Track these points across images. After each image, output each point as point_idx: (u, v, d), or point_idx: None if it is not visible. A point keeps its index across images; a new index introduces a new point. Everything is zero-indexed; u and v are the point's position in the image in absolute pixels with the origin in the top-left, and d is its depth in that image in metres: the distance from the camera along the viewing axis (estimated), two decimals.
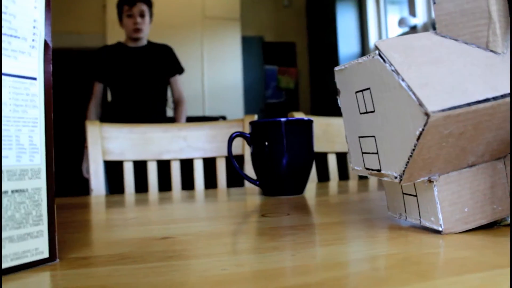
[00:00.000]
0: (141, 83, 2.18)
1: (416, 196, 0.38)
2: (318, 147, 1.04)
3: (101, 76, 2.20)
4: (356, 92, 0.39)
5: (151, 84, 2.20)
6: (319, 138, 1.04)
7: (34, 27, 0.31)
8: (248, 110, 4.64)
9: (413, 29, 3.72)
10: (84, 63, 4.74)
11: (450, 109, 0.30)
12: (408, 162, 0.33)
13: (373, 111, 0.37)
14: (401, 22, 3.76)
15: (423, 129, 0.30)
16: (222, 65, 4.41)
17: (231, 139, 0.71)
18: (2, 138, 0.28)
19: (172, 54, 2.32)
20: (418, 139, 0.31)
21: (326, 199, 0.66)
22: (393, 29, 4.31)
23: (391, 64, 0.33)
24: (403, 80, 0.31)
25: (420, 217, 0.37)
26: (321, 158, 1.08)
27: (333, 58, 4.57)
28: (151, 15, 2.22)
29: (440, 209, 0.35)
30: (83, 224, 0.50)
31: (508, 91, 0.31)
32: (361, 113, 0.39)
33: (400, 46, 0.34)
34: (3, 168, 0.28)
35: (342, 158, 1.19)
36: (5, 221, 0.28)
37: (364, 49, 4.52)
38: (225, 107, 4.33)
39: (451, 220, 0.35)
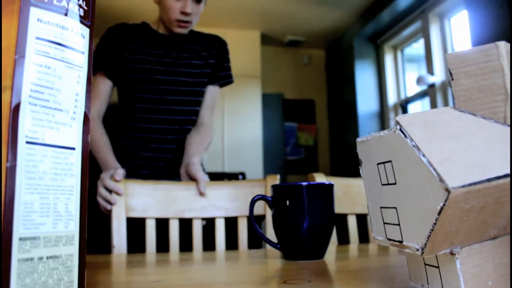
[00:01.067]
0: (172, 89, 1.42)
1: (438, 267, 0.37)
2: (338, 208, 1.04)
3: (111, 69, 1.40)
4: (378, 163, 0.39)
5: (187, 92, 1.45)
6: (339, 199, 1.04)
7: (76, 100, 0.33)
8: (267, 167, 4.66)
9: (431, 87, 3.76)
10: None
11: (470, 185, 0.30)
12: (429, 235, 0.33)
13: (395, 183, 0.37)
14: (419, 80, 3.81)
15: (444, 204, 0.31)
16: (243, 121, 4.49)
17: (252, 202, 0.72)
18: (41, 205, 0.30)
19: (224, 53, 1.55)
20: (439, 213, 0.31)
21: (347, 265, 0.65)
22: (412, 87, 4.35)
23: (411, 140, 0.34)
24: (423, 155, 0.32)
25: None
26: (341, 220, 1.07)
27: (352, 115, 4.61)
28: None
29: (463, 282, 0.35)
30: (107, 286, 0.51)
31: None
32: (382, 184, 0.39)
33: (420, 122, 0.35)
34: (40, 235, 0.30)
35: (362, 219, 1.18)
36: (38, 286, 0.29)
37: (383, 107, 4.56)
38: (245, 163, 4.36)
39: None
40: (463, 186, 0.30)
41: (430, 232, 0.33)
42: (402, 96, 4.47)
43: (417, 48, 4.32)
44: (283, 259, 0.69)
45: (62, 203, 0.31)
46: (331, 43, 5.25)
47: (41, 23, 0.31)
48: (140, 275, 0.58)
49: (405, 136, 0.34)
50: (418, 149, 0.33)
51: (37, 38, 0.31)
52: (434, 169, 0.31)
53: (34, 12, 0.31)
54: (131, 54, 1.40)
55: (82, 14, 0.34)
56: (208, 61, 1.51)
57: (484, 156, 0.32)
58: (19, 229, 0.28)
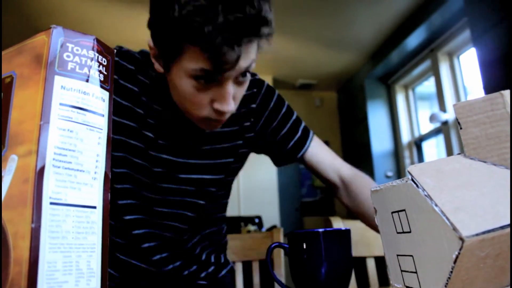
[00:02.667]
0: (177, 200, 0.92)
1: None
2: (356, 252, 1.03)
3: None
4: (392, 212, 0.40)
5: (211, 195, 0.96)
6: (356, 243, 1.03)
7: (96, 161, 0.35)
8: (283, 209, 4.62)
9: (445, 124, 3.75)
10: None
11: (484, 233, 0.31)
12: (447, 283, 0.33)
13: (410, 232, 0.38)
14: (432, 118, 3.81)
15: (459, 253, 0.31)
16: (258, 164, 4.49)
17: (269, 251, 0.72)
18: (64, 264, 0.31)
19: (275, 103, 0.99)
20: (454, 262, 0.32)
21: None
22: (425, 125, 4.35)
23: (423, 189, 0.34)
24: (436, 205, 0.33)
25: None
26: (360, 263, 1.06)
27: (366, 155, 4.60)
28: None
29: None
30: None
31: None
32: (398, 233, 0.40)
33: (431, 171, 0.36)
34: None
35: (381, 262, 1.17)
36: None
37: (397, 146, 4.54)
38: (261, 206, 4.34)
39: None
40: (477, 235, 0.31)
41: (447, 280, 0.33)
42: (416, 134, 4.46)
43: (428, 86, 4.35)
44: None
45: (84, 261, 0.32)
46: (342, 84, 5.31)
47: (64, 90, 0.33)
48: None
49: (417, 186, 0.35)
50: (431, 198, 0.34)
51: (61, 104, 0.33)
52: (447, 218, 0.32)
53: (58, 80, 0.33)
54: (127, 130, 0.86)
55: (102, 79, 0.36)
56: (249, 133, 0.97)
57: (496, 203, 0.33)
58: None
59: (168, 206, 0.92)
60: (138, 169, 0.87)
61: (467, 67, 3.74)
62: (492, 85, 2.87)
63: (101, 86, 0.36)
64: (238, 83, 0.77)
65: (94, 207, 0.34)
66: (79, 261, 0.32)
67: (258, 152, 1.04)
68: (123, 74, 0.85)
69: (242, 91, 0.80)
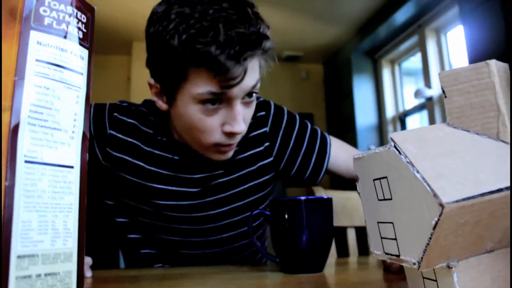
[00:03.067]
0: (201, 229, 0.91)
1: (436, 281, 0.38)
2: (337, 221, 1.04)
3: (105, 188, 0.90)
4: (374, 179, 0.40)
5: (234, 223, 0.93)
6: (338, 213, 1.05)
7: (74, 120, 0.34)
8: None
9: (429, 100, 3.78)
10: None
11: (464, 199, 0.31)
12: (425, 249, 0.33)
13: (391, 199, 0.38)
14: (417, 94, 3.83)
15: (438, 219, 0.31)
16: None
17: (251, 218, 0.72)
18: (39, 223, 0.30)
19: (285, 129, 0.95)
20: (434, 228, 0.32)
21: (347, 278, 0.66)
22: (410, 100, 4.37)
23: (406, 156, 0.34)
24: (417, 172, 0.33)
25: None
26: (341, 233, 1.07)
27: (350, 129, 4.62)
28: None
29: None
30: None
31: None
32: (379, 200, 0.40)
33: (414, 138, 0.36)
34: (38, 252, 0.30)
35: (361, 232, 1.19)
36: None
37: (381, 120, 4.58)
38: None
39: None
40: (457, 201, 0.31)
41: (426, 246, 0.33)
42: (400, 109, 4.49)
43: (414, 62, 4.36)
44: (282, 272, 0.69)
45: (60, 221, 0.32)
46: (329, 57, 5.28)
47: (40, 46, 0.32)
48: None
49: (399, 152, 0.35)
50: (412, 165, 0.34)
51: (37, 60, 0.32)
52: (428, 185, 0.32)
53: (34, 35, 0.32)
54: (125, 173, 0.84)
55: (81, 36, 0.35)
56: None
57: (477, 171, 0.33)
58: (17, 247, 0.29)
59: (213, 247, 0.92)
60: (169, 221, 0.87)
61: (454, 44, 3.74)
62: (478, 62, 2.89)
63: (80, 44, 0.35)
64: (245, 104, 0.76)
65: (72, 167, 0.33)
66: (55, 221, 0.31)
67: (277, 179, 0.99)
68: (124, 129, 0.84)
69: (250, 112, 0.79)
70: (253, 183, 0.91)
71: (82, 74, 0.35)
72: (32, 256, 0.30)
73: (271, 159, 0.93)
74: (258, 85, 0.77)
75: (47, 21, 0.33)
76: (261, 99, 0.97)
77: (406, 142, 0.36)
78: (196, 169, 0.87)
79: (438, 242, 0.33)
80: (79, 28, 0.35)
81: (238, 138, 0.77)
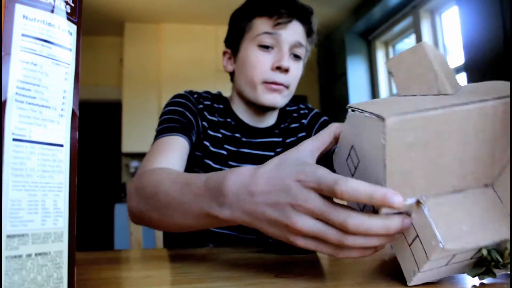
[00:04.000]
0: None
1: (418, 236, 0.39)
2: None
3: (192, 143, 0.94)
4: (341, 145, 0.47)
5: None
6: None
7: (63, 97, 0.33)
8: None
9: None
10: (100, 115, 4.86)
11: (403, 114, 0.36)
12: (385, 174, 0.37)
13: (358, 161, 0.43)
14: None
15: (385, 134, 0.36)
16: None
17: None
18: (29, 202, 0.30)
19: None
20: (385, 147, 0.36)
21: (342, 262, 0.66)
22: None
23: (357, 109, 0.42)
24: (367, 112, 0.39)
25: (425, 251, 0.39)
26: None
27: (344, 110, 4.62)
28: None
29: (435, 227, 0.38)
30: (100, 282, 0.51)
31: (453, 108, 0.38)
32: (346, 158, 0.46)
33: (366, 102, 0.43)
34: (28, 232, 0.30)
35: None
36: (27, 283, 0.29)
37: None
38: None
39: (450, 238, 0.37)
40: (398, 115, 0.36)
41: (385, 171, 0.37)
42: (394, 91, 4.49)
43: (408, 43, 4.34)
44: (275, 253, 0.70)
45: (50, 200, 0.31)
46: (323, 39, 5.25)
47: (27, 20, 0.31)
48: (131, 271, 0.58)
49: (353, 110, 0.43)
50: (362, 110, 0.40)
51: (23, 35, 0.31)
52: (373, 113, 0.38)
53: (20, 9, 0.31)
54: (211, 144, 0.99)
55: (69, 11, 0.34)
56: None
57: (418, 104, 0.39)
58: (6, 227, 0.28)
59: None
60: None
61: (449, 25, 3.73)
62: (472, 44, 2.88)
63: (68, 19, 0.34)
64: (293, 58, 0.97)
65: (61, 145, 0.32)
66: (45, 200, 0.31)
67: None
68: (205, 107, 1.01)
69: (297, 69, 0.98)
70: None
71: (70, 50, 0.34)
72: (22, 235, 0.29)
73: None
74: (303, 52, 0.99)
75: None
76: (310, 106, 1.18)
77: (359, 105, 0.43)
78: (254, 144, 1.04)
79: (395, 165, 0.37)
80: (66, 2, 0.34)
81: (286, 79, 0.95)
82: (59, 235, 0.31)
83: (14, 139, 0.29)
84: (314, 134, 1.03)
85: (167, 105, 0.98)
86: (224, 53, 1.05)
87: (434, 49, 0.46)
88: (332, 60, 5.00)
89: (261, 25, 0.95)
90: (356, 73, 4.66)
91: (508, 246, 0.39)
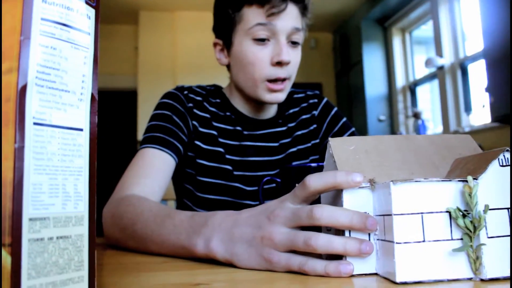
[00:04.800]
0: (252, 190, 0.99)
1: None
2: None
3: (177, 150, 0.90)
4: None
5: None
6: None
7: (82, 81, 0.33)
8: None
9: (441, 69, 3.72)
10: (116, 104, 4.90)
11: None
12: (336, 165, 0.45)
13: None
14: (428, 63, 3.77)
15: (330, 146, 0.48)
16: None
17: (262, 184, 0.72)
18: (50, 186, 0.30)
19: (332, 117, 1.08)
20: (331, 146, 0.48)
21: None
22: (420, 70, 4.31)
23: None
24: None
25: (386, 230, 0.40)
26: None
27: (360, 98, 4.58)
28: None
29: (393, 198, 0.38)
30: (118, 267, 0.51)
31: None
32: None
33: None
34: (50, 215, 0.30)
35: None
36: (49, 266, 0.29)
37: (391, 90, 4.52)
38: None
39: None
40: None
41: (335, 164, 0.45)
42: (411, 79, 4.43)
43: (425, 30, 4.27)
44: None
45: (71, 184, 0.31)
46: (338, 26, 5.19)
47: (46, 4, 0.31)
48: (148, 256, 0.59)
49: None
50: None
51: (42, 19, 0.31)
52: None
53: None
54: (204, 142, 0.94)
55: None
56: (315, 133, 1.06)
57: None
58: (28, 210, 0.29)
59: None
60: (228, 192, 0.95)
61: (467, 11, 3.65)
62: (492, 31, 2.82)
63: (87, 3, 0.34)
64: (291, 45, 0.89)
65: (81, 129, 0.32)
66: (66, 184, 0.31)
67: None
68: (196, 104, 0.96)
69: (296, 56, 0.91)
70: (299, 162, 1.01)
71: (89, 34, 0.34)
72: (44, 219, 0.29)
73: (317, 140, 1.05)
74: (301, 36, 0.91)
75: None
76: (317, 93, 1.12)
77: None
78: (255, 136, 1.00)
79: (342, 161, 0.45)
80: None
81: (287, 72, 0.89)
82: (79, 218, 0.32)
83: (35, 123, 0.29)
84: (326, 128, 1.04)
85: (156, 107, 0.95)
86: (215, 44, 0.97)
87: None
88: (348, 47, 4.95)
89: (253, 15, 0.87)
90: (372, 61, 4.60)
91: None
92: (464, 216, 0.37)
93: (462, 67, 3.65)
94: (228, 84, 1.03)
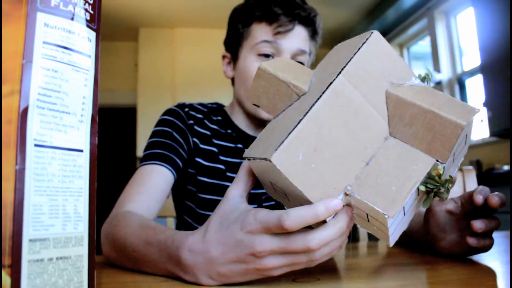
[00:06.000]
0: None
1: (368, 215, 0.42)
2: None
3: (177, 166, 0.90)
4: (269, 184, 0.50)
5: None
6: None
7: (83, 103, 0.33)
8: None
9: (438, 84, 3.74)
10: (116, 120, 4.91)
11: (279, 146, 0.41)
12: (306, 195, 0.42)
13: (284, 192, 0.47)
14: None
15: (280, 170, 0.40)
16: None
17: (261, 201, 0.72)
18: (50, 207, 0.30)
19: None
20: (287, 177, 0.41)
21: (356, 262, 0.65)
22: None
23: (249, 158, 0.48)
24: (256, 158, 0.46)
25: (381, 222, 0.42)
26: None
27: None
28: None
29: (372, 205, 0.41)
30: (117, 286, 0.51)
31: None
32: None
33: (255, 141, 0.50)
34: (50, 236, 0.30)
35: None
36: (48, 287, 0.30)
37: None
38: None
39: (388, 205, 0.41)
40: (276, 150, 0.40)
41: (302, 193, 0.41)
42: None
43: (423, 45, 4.31)
44: None
45: (71, 205, 0.32)
46: (337, 42, 5.23)
47: (48, 28, 0.32)
48: (148, 275, 0.58)
49: (248, 159, 0.49)
50: (254, 158, 0.58)
51: (44, 42, 0.31)
52: (261, 158, 0.43)
53: (41, 17, 0.31)
54: (204, 159, 0.94)
55: (88, 18, 0.34)
56: None
57: (287, 124, 0.43)
58: (29, 231, 0.29)
59: None
60: None
61: (464, 27, 3.69)
62: (488, 46, 2.84)
63: (88, 26, 0.35)
64: (300, 54, 0.91)
65: (81, 151, 0.33)
66: (66, 205, 0.31)
67: None
68: (196, 121, 0.96)
69: None
70: None
71: (90, 56, 0.34)
72: (44, 240, 0.30)
73: None
74: (306, 58, 0.92)
75: (53, 2, 0.32)
76: None
77: (249, 151, 0.48)
78: None
79: (305, 182, 0.42)
80: (86, 10, 0.34)
81: None
82: (79, 239, 0.32)
83: (35, 145, 0.30)
84: None
85: (156, 124, 0.96)
86: (224, 57, 1.01)
87: (277, 63, 0.52)
88: None
89: (260, 32, 0.90)
90: None
91: (439, 168, 0.42)
92: (432, 189, 0.43)
93: (459, 82, 3.68)
94: (230, 102, 1.04)
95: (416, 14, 3.99)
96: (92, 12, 0.35)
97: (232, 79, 0.99)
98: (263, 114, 0.91)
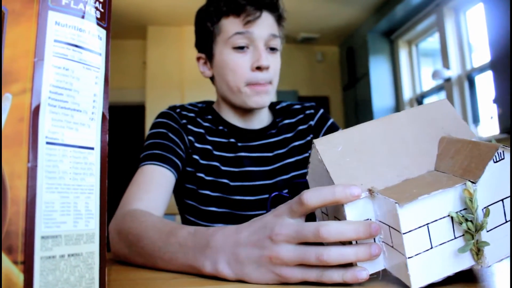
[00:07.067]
0: (252, 200, 1.00)
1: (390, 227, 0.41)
2: None
3: (176, 166, 0.91)
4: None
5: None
6: None
7: (94, 101, 0.34)
8: None
9: (447, 81, 3.72)
10: (125, 119, 4.93)
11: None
12: (332, 178, 0.44)
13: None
14: (435, 75, 3.77)
15: (318, 152, 0.46)
16: None
17: (270, 200, 0.72)
18: (61, 204, 0.30)
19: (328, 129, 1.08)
20: (323, 159, 0.46)
21: None
22: (427, 82, 4.31)
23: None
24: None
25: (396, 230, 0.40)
26: None
27: (367, 111, 4.58)
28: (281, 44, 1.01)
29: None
30: (127, 283, 0.51)
31: None
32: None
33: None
34: (61, 233, 0.30)
35: None
36: (60, 284, 0.30)
37: (399, 102, 4.52)
38: None
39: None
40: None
41: (329, 174, 0.44)
42: (418, 91, 4.42)
43: (432, 42, 4.28)
44: None
45: (82, 202, 0.32)
46: (344, 39, 5.22)
47: (59, 26, 0.32)
48: (160, 272, 0.59)
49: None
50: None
51: (55, 41, 0.31)
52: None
53: (52, 16, 0.31)
54: (201, 157, 0.96)
55: (98, 16, 0.35)
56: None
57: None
58: (41, 228, 0.29)
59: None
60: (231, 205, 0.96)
61: (474, 23, 3.66)
62: (498, 42, 2.82)
63: (98, 24, 0.35)
64: (270, 52, 0.94)
65: (92, 148, 0.33)
66: (77, 202, 0.31)
67: None
68: (189, 120, 0.98)
69: (276, 62, 0.95)
70: (297, 173, 1.02)
71: (100, 54, 0.35)
72: (56, 237, 0.30)
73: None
74: (279, 43, 0.95)
75: (64, 1, 0.32)
76: (314, 105, 1.14)
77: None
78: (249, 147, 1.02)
79: (336, 168, 0.45)
80: (96, 8, 0.34)
81: (267, 76, 0.92)
82: (90, 236, 0.32)
83: (47, 143, 0.30)
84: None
85: (151, 127, 0.98)
86: (198, 58, 1.02)
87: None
88: (354, 60, 4.96)
89: (231, 25, 0.92)
90: (378, 73, 4.61)
91: (469, 185, 0.40)
92: (466, 220, 0.40)
93: (469, 78, 3.65)
94: (216, 100, 1.06)
95: (425, 11, 3.96)
96: (102, 10, 0.35)
97: (211, 78, 1.01)
98: (250, 102, 0.93)
